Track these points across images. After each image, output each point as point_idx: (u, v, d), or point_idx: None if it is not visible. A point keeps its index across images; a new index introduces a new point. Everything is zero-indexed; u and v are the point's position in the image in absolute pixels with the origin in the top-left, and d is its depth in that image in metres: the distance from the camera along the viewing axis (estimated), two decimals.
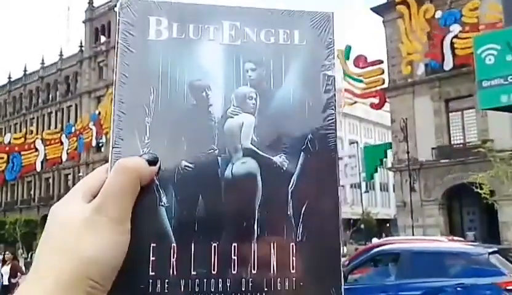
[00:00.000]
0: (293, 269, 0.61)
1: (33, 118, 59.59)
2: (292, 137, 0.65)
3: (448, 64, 28.01)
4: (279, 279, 0.61)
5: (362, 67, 33.24)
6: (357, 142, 69.80)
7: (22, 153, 51.52)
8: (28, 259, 39.79)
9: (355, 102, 38.09)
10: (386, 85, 31.96)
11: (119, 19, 0.66)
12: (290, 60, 0.69)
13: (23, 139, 52.90)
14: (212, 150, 0.64)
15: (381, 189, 75.09)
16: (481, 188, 20.38)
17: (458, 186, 26.73)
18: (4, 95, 64.24)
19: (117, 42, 0.64)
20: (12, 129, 60.01)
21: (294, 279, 0.61)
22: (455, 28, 27.87)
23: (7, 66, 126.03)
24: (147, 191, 0.61)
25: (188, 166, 0.63)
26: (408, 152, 28.00)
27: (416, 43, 29.32)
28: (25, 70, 62.05)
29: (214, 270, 0.61)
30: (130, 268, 0.58)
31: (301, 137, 0.65)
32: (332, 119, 0.67)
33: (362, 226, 39.65)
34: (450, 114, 28.86)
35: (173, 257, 0.60)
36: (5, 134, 57.04)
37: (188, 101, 0.64)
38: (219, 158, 0.64)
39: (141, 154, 0.61)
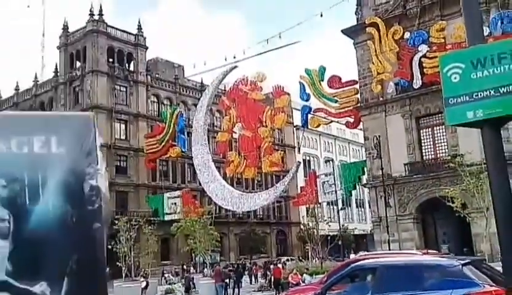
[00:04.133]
0: None
1: None
2: (53, 260, 0.55)
3: (417, 82, 29.02)
4: None
5: (337, 88, 34.07)
6: (332, 160, 70.77)
7: None
8: None
9: (331, 121, 38.94)
10: (359, 105, 32.82)
11: None
12: (47, 171, 0.59)
13: None
14: None
15: (357, 206, 76.02)
16: (453, 202, 21.09)
17: (432, 200, 27.51)
18: None
19: None
20: None
21: None
22: (423, 48, 28.96)
23: None
24: None
25: None
26: (382, 169, 28.75)
27: (386, 63, 30.33)
28: None
29: None
30: None
31: (64, 259, 0.54)
32: (101, 235, 0.57)
33: (340, 242, 40.15)
34: (421, 131, 29.82)
35: None
36: None
37: None
38: None
39: None
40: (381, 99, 31.00)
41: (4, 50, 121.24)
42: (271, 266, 27.72)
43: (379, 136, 29.78)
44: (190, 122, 49.62)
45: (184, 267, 35.43)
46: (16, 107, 58.81)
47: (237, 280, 26.19)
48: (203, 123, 45.18)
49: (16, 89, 59.55)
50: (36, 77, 57.91)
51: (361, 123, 32.93)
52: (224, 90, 47.31)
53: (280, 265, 28.10)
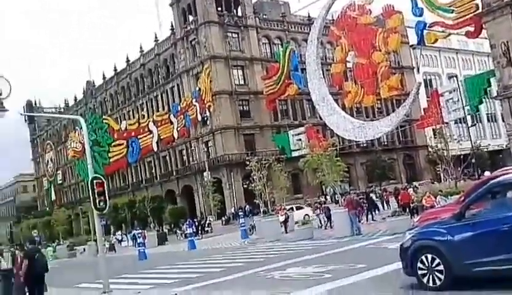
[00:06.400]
0: None
1: (142, 103, 64.43)
2: None
3: None
4: None
5: None
6: (456, 76, 66.64)
7: (138, 137, 56.25)
8: (160, 231, 43.97)
9: (449, 34, 36.71)
10: (480, 11, 30.49)
11: None
12: None
13: (137, 125, 57.53)
14: None
15: (488, 120, 71.36)
16: None
17: None
18: (114, 87, 69.77)
19: None
20: (125, 117, 65.47)
21: None
22: None
23: (112, 59, 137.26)
24: None
25: None
26: None
27: None
28: (128, 61, 66.42)
29: None
30: None
31: None
32: None
33: (473, 160, 38.67)
34: None
35: None
36: (120, 122, 62.41)
37: None
38: None
39: None
40: (505, 0, 28.47)
41: (122, 14, 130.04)
42: (401, 191, 27.92)
43: (507, 42, 27.71)
44: (303, 58, 49.97)
45: (322, 199, 37.34)
46: (144, 67, 63.81)
47: (369, 207, 27.00)
48: (315, 57, 45.20)
49: (141, 51, 64.17)
50: (155, 37, 61.74)
51: (484, 30, 30.65)
52: (333, 20, 46.50)
53: (410, 190, 28.16)
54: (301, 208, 33.45)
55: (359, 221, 22.67)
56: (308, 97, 48.94)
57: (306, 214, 30.76)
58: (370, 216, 26.54)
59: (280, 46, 55.39)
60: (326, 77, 49.59)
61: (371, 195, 32.72)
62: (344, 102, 44.66)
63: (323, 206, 28.82)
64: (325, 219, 25.93)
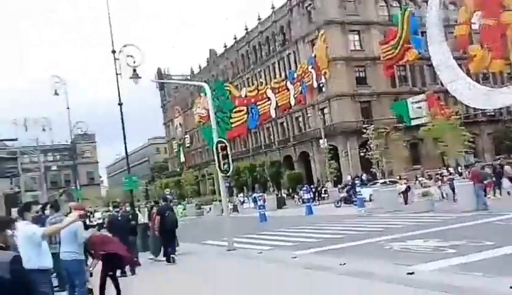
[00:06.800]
0: None
1: (260, 71, 66.12)
2: None
3: None
4: None
5: None
6: None
7: (257, 103, 58.09)
8: (279, 195, 45.71)
9: None
10: None
11: None
12: None
13: (256, 91, 59.31)
14: None
15: None
16: None
17: None
18: (234, 55, 72.43)
19: None
20: (245, 84, 67.75)
21: None
22: None
23: (231, 29, 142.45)
24: None
25: None
26: None
27: None
28: (246, 29, 68.23)
29: None
30: None
31: None
32: None
33: None
34: None
35: None
36: (240, 89, 64.88)
37: None
38: None
39: None
40: None
41: None
42: None
43: None
44: (423, 21, 47.49)
45: (443, 170, 35.75)
46: (261, 35, 65.19)
47: (496, 180, 25.50)
48: (437, 20, 42.68)
49: (259, 19, 65.46)
50: (272, 4, 62.48)
51: None
52: None
53: None
54: (396, 182, 32.49)
55: (486, 196, 21.58)
56: (428, 62, 46.61)
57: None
58: (498, 191, 25.16)
59: (398, 8, 53.12)
60: (448, 40, 46.74)
61: (506, 167, 30.44)
62: (469, 67, 41.76)
63: (447, 177, 27.68)
64: (449, 192, 24.92)
